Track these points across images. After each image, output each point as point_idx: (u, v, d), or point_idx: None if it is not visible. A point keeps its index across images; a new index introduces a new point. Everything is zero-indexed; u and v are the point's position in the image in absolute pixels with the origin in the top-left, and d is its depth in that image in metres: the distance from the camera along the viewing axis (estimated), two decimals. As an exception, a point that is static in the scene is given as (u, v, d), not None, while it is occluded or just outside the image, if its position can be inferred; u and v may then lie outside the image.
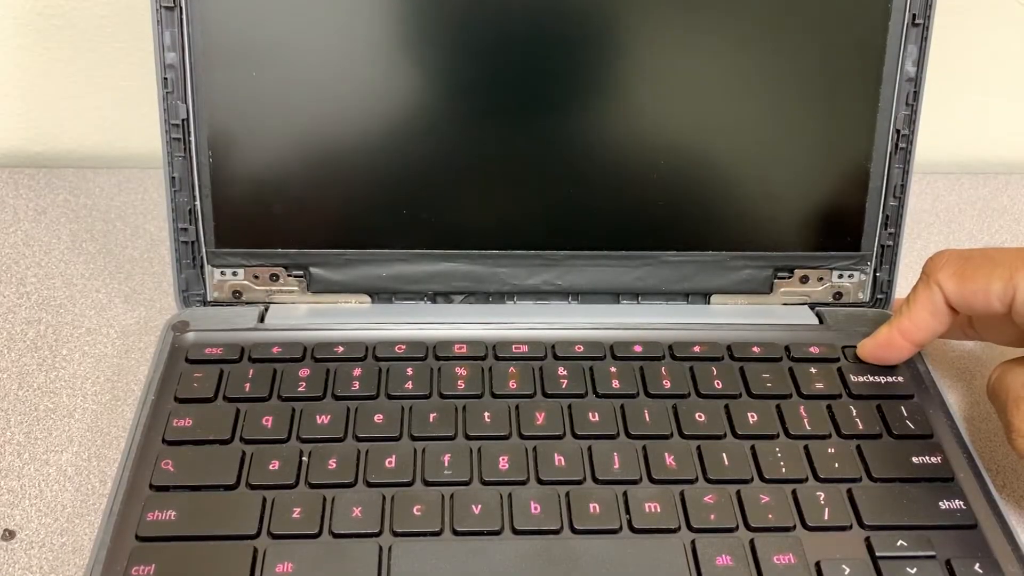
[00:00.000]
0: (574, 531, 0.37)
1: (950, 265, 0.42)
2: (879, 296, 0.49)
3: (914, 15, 0.45)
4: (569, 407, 0.43)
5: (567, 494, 0.39)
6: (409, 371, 0.44)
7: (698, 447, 0.41)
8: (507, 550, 0.37)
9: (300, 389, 0.43)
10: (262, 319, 0.47)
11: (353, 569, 0.36)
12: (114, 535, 0.37)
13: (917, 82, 0.46)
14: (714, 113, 0.46)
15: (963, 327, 0.46)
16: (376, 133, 0.46)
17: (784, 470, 0.40)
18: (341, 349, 0.45)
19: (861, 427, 0.42)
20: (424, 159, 0.46)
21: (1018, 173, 0.68)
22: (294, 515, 0.37)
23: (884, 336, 0.45)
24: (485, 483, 0.39)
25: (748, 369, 0.45)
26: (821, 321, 0.48)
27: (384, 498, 0.38)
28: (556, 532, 0.37)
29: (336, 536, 0.37)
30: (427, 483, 0.39)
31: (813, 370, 0.45)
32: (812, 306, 0.49)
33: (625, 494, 0.39)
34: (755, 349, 0.46)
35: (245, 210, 0.46)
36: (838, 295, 0.49)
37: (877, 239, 0.48)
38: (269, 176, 0.46)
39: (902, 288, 0.48)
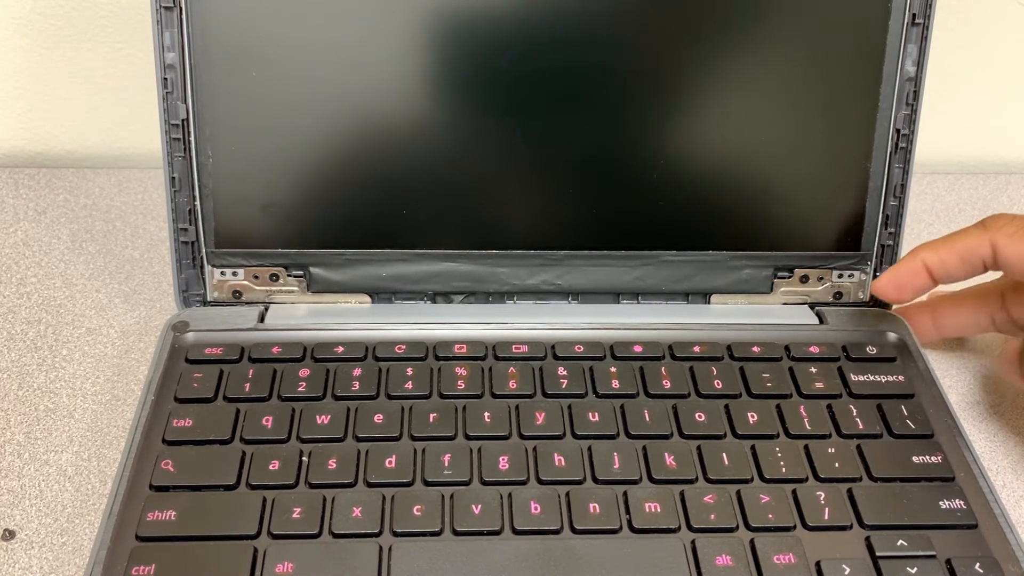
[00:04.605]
0: (574, 531, 0.37)
1: (1012, 225, 0.42)
2: (879, 296, 0.49)
3: (914, 15, 0.45)
4: (569, 407, 0.43)
5: (567, 494, 0.39)
6: (409, 371, 0.44)
7: (698, 447, 0.41)
8: (507, 550, 0.37)
9: (300, 389, 0.43)
10: (262, 319, 0.47)
11: (353, 569, 0.36)
12: (114, 535, 0.37)
13: (917, 82, 0.46)
14: (713, 113, 0.46)
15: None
16: (376, 133, 0.46)
17: (784, 470, 0.40)
18: (341, 349, 0.45)
19: (861, 427, 0.42)
20: (424, 159, 0.46)
21: (1018, 173, 0.68)
22: (294, 515, 0.37)
23: (907, 268, 0.44)
24: (485, 483, 0.39)
25: (748, 369, 0.45)
26: (821, 321, 0.48)
27: (384, 498, 0.38)
28: (556, 532, 0.37)
29: (336, 536, 0.37)
30: (427, 483, 0.39)
31: (813, 370, 0.45)
32: (812, 306, 0.49)
33: (625, 494, 0.39)
34: (755, 349, 0.46)
35: (245, 210, 0.46)
36: (838, 295, 0.49)
37: (877, 239, 0.48)
38: (269, 176, 0.46)
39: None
